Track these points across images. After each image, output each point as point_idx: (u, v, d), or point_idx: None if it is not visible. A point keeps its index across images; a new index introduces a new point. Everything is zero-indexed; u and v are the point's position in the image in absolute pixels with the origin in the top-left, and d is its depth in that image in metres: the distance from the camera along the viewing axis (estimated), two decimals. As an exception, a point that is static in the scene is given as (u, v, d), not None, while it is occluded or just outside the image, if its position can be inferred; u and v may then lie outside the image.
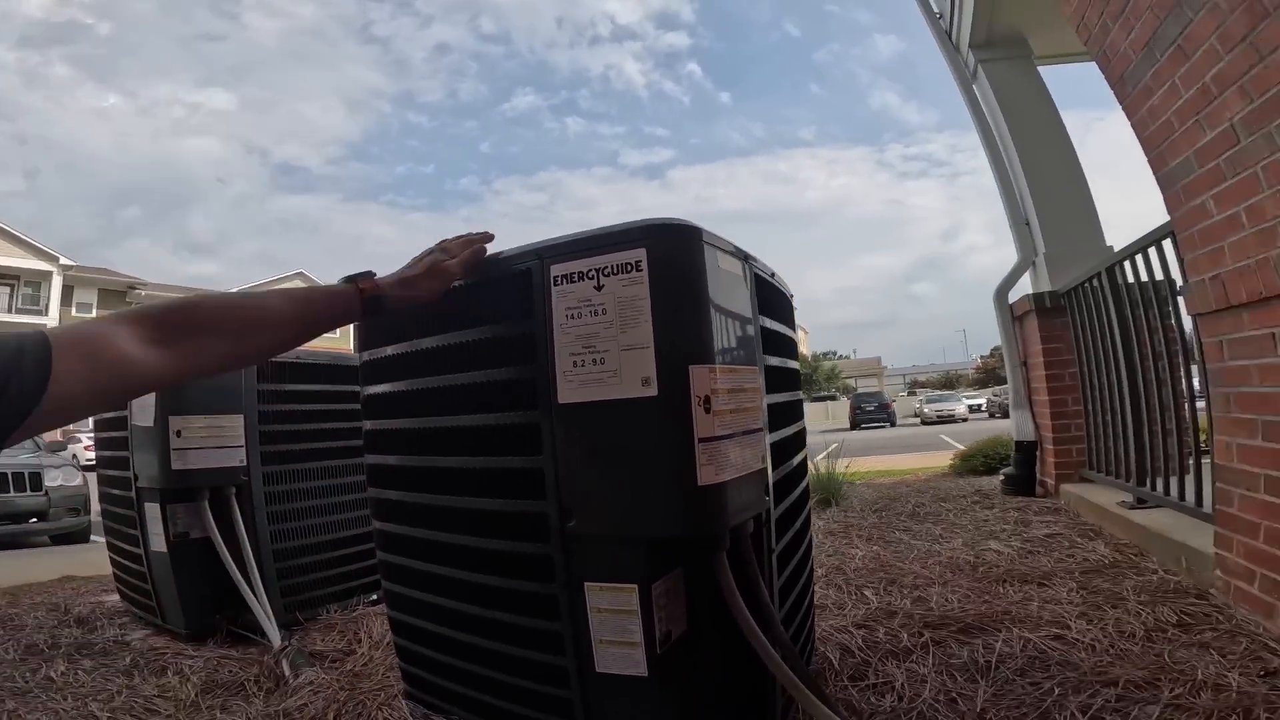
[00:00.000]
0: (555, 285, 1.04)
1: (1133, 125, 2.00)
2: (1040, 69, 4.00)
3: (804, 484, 1.59)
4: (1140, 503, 2.60)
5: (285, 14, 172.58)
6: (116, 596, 2.62)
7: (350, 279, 0.98)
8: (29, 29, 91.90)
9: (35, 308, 26.44)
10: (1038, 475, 3.67)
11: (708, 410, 0.97)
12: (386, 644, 1.97)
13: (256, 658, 1.91)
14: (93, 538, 5.40)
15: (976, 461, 4.76)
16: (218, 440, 2.13)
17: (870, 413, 27.63)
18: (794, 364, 1.50)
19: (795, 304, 1.61)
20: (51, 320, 24.44)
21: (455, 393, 1.19)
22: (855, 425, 25.77)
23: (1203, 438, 2.28)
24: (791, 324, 1.52)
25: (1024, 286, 3.88)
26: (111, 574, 2.60)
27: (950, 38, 4.23)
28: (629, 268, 0.97)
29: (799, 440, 1.51)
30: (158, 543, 2.13)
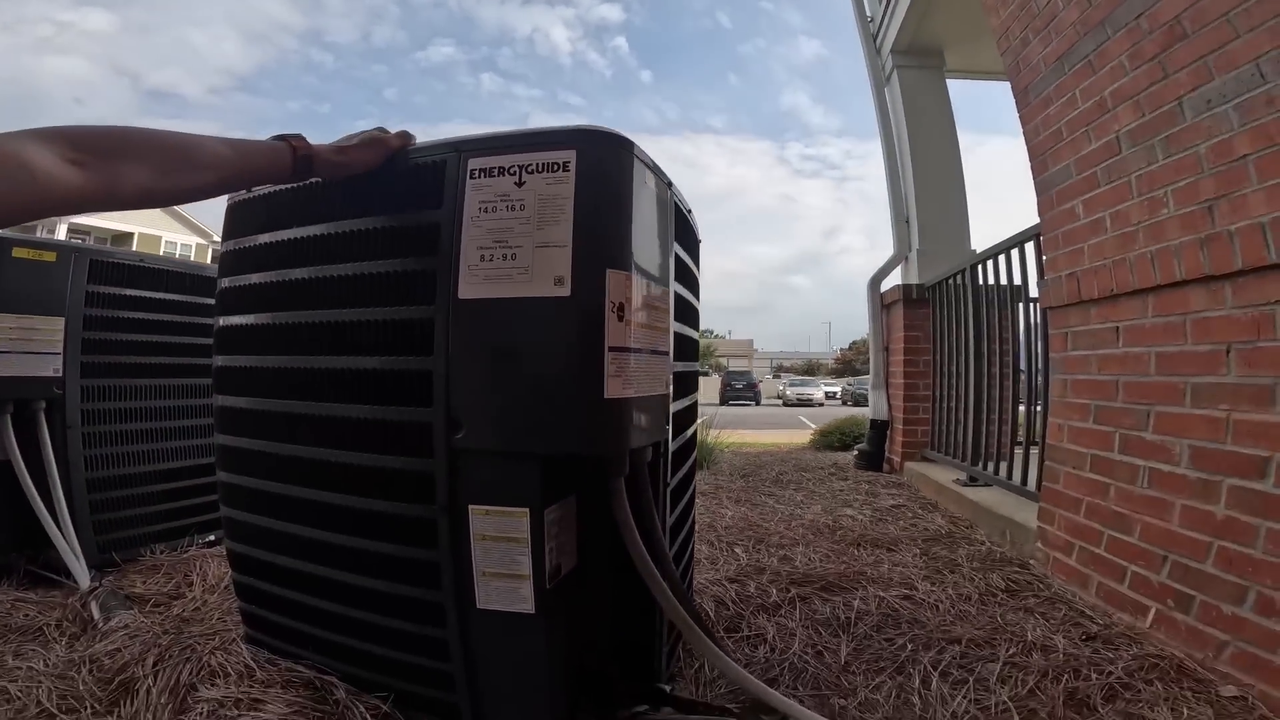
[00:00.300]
0: (471, 178, 0.92)
1: (1025, 133, 2.12)
2: (948, 83, 4.23)
3: (695, 426, 1.53)
4: (972, 481, 2.85)
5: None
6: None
7: (280, 137, 0.90)
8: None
9: None
10: (886, 453, 3.95)
11: (620, 318, 0.89)
12: (225, 588, 1.70)
13: (60, 600, 1.58)
14: None
15: (833, 438, 5.08)
16: (27, 344, 1.71)
17: (739, 390, 29.15)
18: (695, 301, 1.42)
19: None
20: None
21: (337, 285, 1.01)
22: (724, 400, 27.00)
23: (1021, 433, 2.57)
24: (697, 260, 1.44)
25: (894, 279, 4.12)
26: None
27: (875, 40, 4.38)
28: (555, 167, 0.90)
29: (694, 379, 1.44)
30: (-61, 463, 1.69)
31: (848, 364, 52.19)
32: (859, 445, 4.16)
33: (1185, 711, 1.18)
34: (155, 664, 1.16)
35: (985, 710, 1.20)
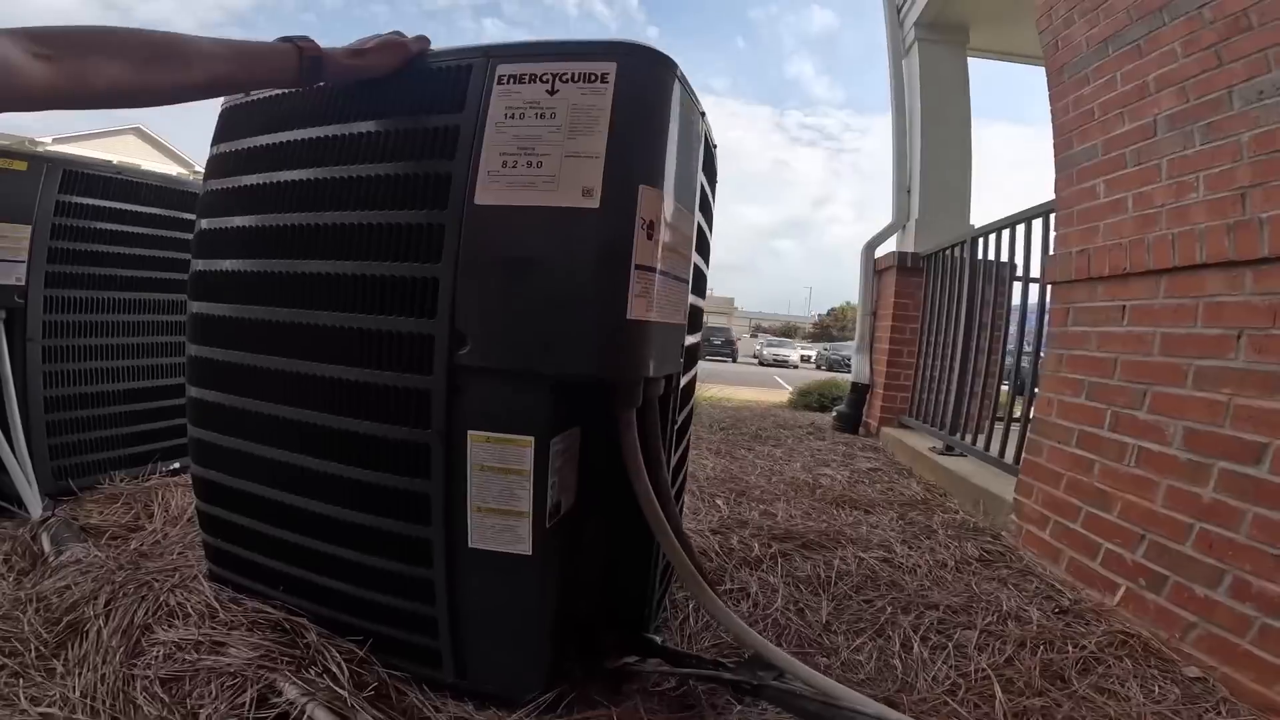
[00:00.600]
0: (499, 84, 0.84)
1: (1053, 111, 2.08)
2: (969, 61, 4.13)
3: (697, 364, 1.46)
4: (948, 450, 2.85)
5: None
6: None
7: (286, 39, 0.84)
8: None
9: None
10: (864, 416, 3.95)
11: (649, 236, 0.82)
12: (187, 520, 1.60)
13: (9, 532, 1.46)
14: None
15: (812, 398, 5.10)
16: (-9, 251, 1.56)
17: (717, 346, 29.24)
18: (710, 233, 1.33)
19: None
20: None
21: (336, 188, 0.91)
22: (702, 355, 27.01)
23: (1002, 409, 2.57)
24: (714, 196, 1.35)
25: (889, 246, 4.07)
26: None
27: (899, 11, 4.24)
28: (593, 78, 0.84)
29: (701, 315, 1.37)
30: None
31: (825, 329, 52.60)
32: (838, 407, 4.16)
33: (1156, 689, 1.17)
34: (108, 603, 1.06)
35: (965, 676, 1.18)
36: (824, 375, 6.20)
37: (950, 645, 1.29)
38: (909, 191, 3.95)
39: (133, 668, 0.92)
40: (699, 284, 1.21)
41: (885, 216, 4.09)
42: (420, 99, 0.90)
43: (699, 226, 1.12)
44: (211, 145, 1.11)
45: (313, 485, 0.96)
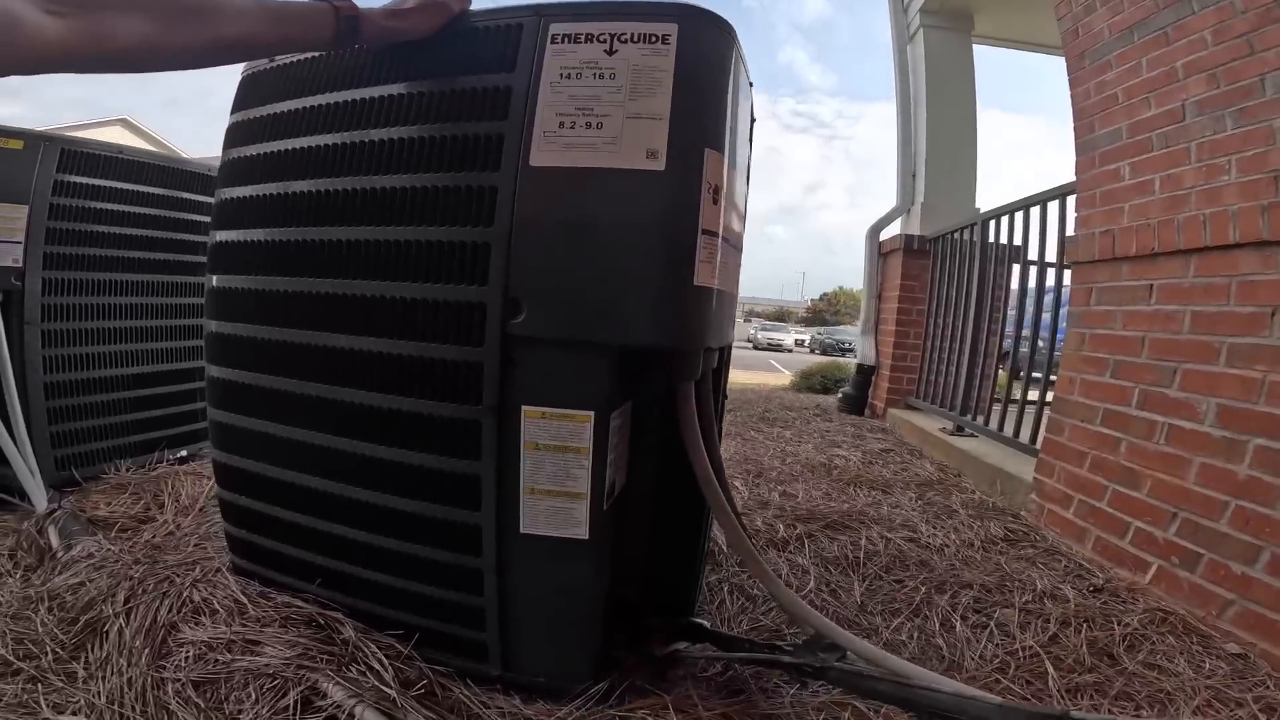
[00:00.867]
0: (552, 43, 0.80)
1: (1073, 96, 2.07)
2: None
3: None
4: (958, 430, 2.82)
5: None
6: None
7: None
8: None
9: None
10: (870, 398, 3.92)
11: (715, 201, 0.78)
12: (200, 510, 1.53)
13: (13, 525, 1.38)
14: None
15: (815, 381, 5.08)
16: (-13, 231, 1.47)
17: (711, 331, 29.19)
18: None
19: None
20: None
21: (375, 151, 0.85)
22: None
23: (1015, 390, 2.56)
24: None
25: (893, 229, 4.02)
26: None
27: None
28: (654, 39, 0.79)
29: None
30: None
31: (818, 314, 52.70)
32: (843, 388, 4.13)
33: (1205, 665, 1.15)
34: (127, 600, 0.99)
35: (1013, 655, 1.15)
36: (824, 358, 6.19)
37: (991, 624, 1.26)
38: (914, 176, 3.92)
39: (161, 670, 0.86)
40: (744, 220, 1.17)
41: (878, 203, 4.17)
42: (467, 59, 0.84)
43: (744, 200, 1.06)
44: (232, 113, 1.04)
45: (349, 470, 0.89)
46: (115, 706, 0.82)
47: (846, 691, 0.96)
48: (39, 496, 1.43)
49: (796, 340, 30.38)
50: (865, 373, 3.89)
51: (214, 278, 1.01)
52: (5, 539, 1.32)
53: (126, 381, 1.76)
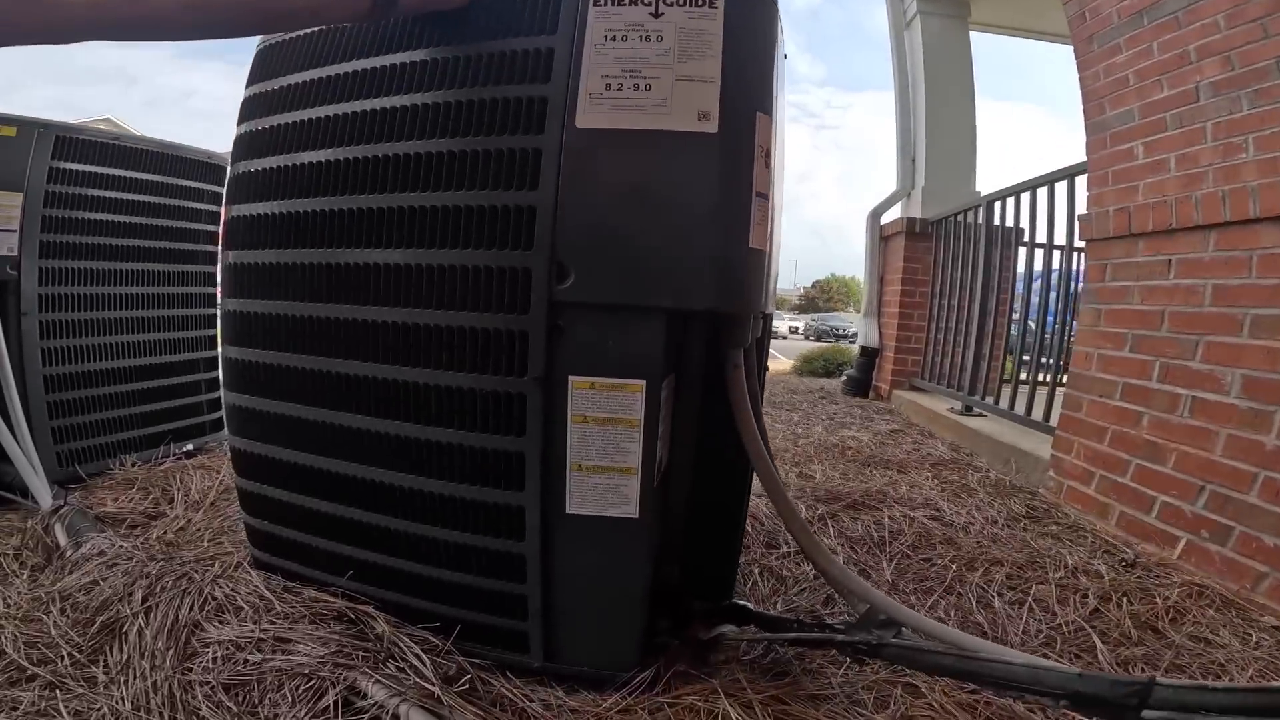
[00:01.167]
0: (595, 5, 0.77)
1: (1081, 79, 2.07)
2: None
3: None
4: (968, 410, 2.79)
5: None
6: None
7: None
8: None
9: None
10: (874, 380, 3.90)
11: (766, 165, 0.75)
12: (210, 504, 1.47)
13: (18, 524, 1.31)
14: None
15: (816, 364, 5.06)
16: (-21, 220, 1.39)
17: (706, 319, 29.21)
18: None
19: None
20: None
21: (416, 116, 0.80)
22: None
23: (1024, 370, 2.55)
24: None
25: (894, 214, 3.98)
26: None
27: None
28: (700, 2, 0.76)
29: None
30: None
31: (810, 301, 52.74)
32: (847, 371, 4.11)
33: (1252, 637, 1.12)
34: (145, 599, 0.92)
35: (1057, 630, 1.12)
36: (810, 346, 6.19)
37: (1030, 599, 1.23)
38: (913, 160, 3.89)
39: (188, 672, 0.80)
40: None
41: (869, 191, 4.19)
42: (506, 23, 0.79)
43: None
44: (248, 85, 0.97)
45: (380, 452, 0.83)
46: (141, 713, 0.76)
47: (900, 669, 0.92)
48: (43, 493, 1.36)
49: (791, 327, 30.37)
50: (869, 355, 3.87)
51: (230, 254, 0.94)
52: (9, 538, 1.25)
53: (129, 374, 1.69)
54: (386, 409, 0.82)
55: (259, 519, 1.00)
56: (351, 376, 0.84)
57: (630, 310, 0.74)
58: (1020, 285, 2.82)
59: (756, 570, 1.33)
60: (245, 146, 0.96)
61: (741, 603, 1.00)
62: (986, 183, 2.83)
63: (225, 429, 1.07)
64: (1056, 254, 2.50)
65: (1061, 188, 2.35)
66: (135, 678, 0.81)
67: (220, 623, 0.87)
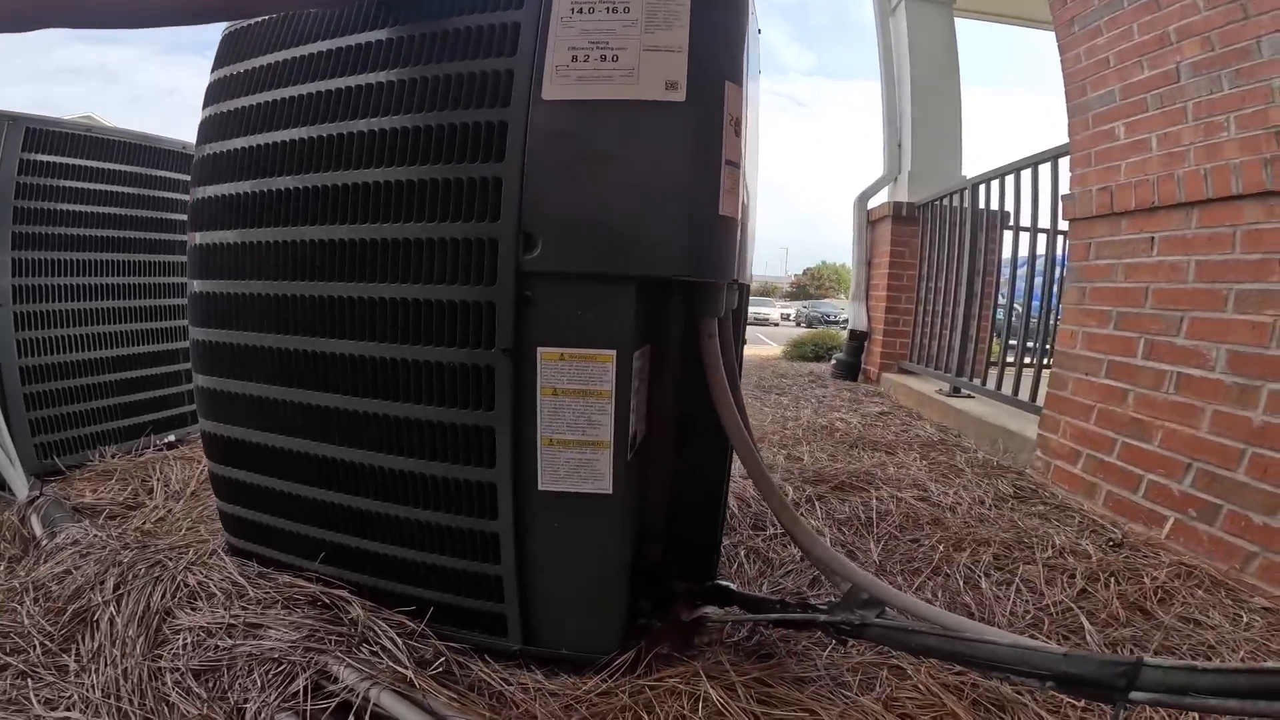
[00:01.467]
0: None
1: (1063, 61, 2.05)
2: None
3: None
4: (955, 392, 2.78)
5: None
6: None
7: None
8: None
9: None
10: (863, 363, 3.88)
11: (736, 133, 0.73)
12: (191, 494, 1.44)
13: None
14: None
15: (807, 349, 5.04)
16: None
17: (697, 306, 29.11)
18: None
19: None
20: None
21: (381, 94, 0.78)
22: None
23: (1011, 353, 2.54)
24: None
25: (881, 198, 3.96)
26: None
27: None
28: None
29: None
30: None
31: (802, 288, 52.69)
32: (836, 355, 4.10)
33: (1243, 618, 1.10)
34: (117, 587, 0.90)
35: (1044, 610, 1.10)
36: (802, 333, 6.16)
37: (1016, 580, 1.21)
38: (900, 145, 3.87)
39: (158, 659, 0.77)
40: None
41: (857, 179, 4.10)
42: (466, 4, 0.77)
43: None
44: (213, 70, 0.95)
45: (349, 431, 0.81)
46: (111, 700, 0.74)
47: (885, 650, 0.90)
48: (19, 485, 1.33)
49: (782, 314, 30.28)
50: (858, 339, 3.86)
51: (196, 235, 0.91)
52: (-15, 529, 1.22)
53: (107, 364, 1.65)
54: (355, 386, 0.79)
55: (232, 504, 0.97)
56: (318, 354, 0.81)
57: (600, 279, 0.72)
58: (1006, 269, 2.81)
59: (743, 552, 1.32)
60: (210, 129, 0.94)
61: (725, 584, 0.98)
62: (981, 169, 2.79)
63: (202, 415, 1.04)
64: (1042, 237, 2.48)
65: (1045, 170, 2.33)
66: (106, 665, 0.79)
67: (192, 609, 0.85)
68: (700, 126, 0.72)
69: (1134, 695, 0.59)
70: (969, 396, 2.70)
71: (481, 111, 0.74)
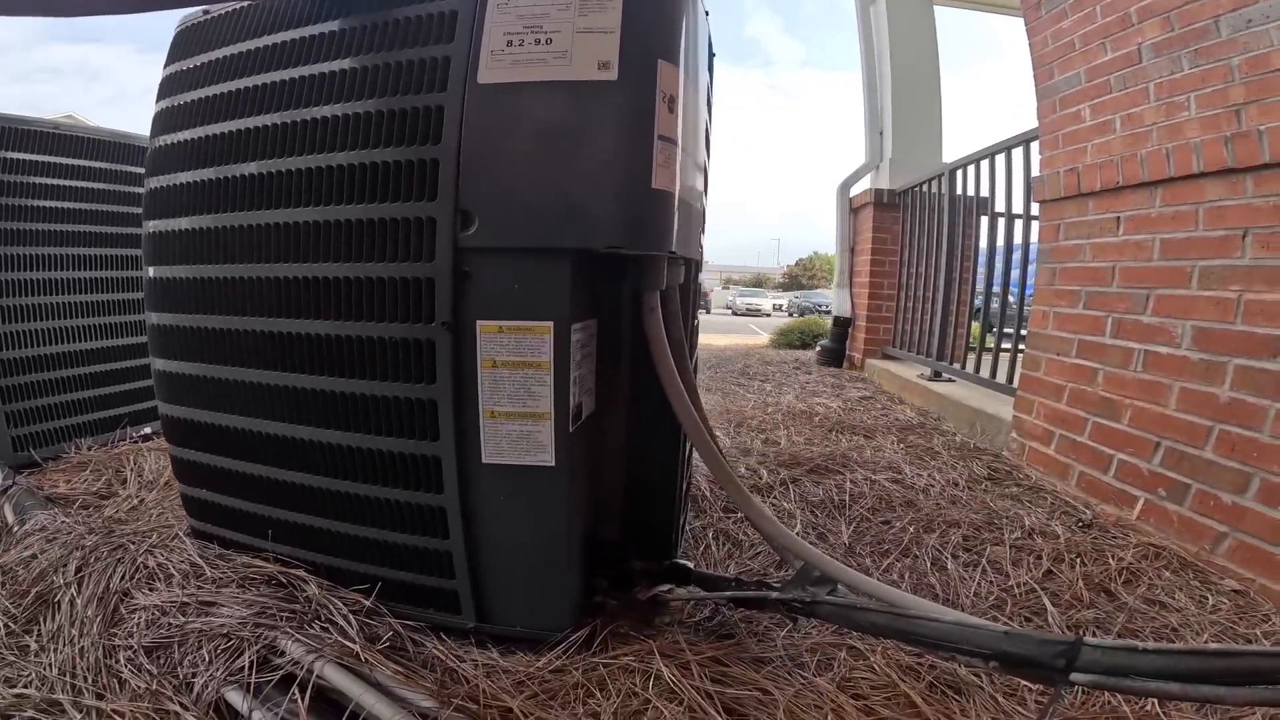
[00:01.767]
0: None
1: (1031, 44, 2.06)
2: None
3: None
4: (936, 376, 2.79)
5: None
6: None
7: None
8: None
9: None
10: (847, 350, 3.89)
11: (670, 110, 0.73)
12: (164, 484, 1.43)
13: None
14: None
15: (793, 337, 5.04)
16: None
17: (689, 298, 28.96)
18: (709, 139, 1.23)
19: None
20: None
21: (321, 84, 0.80)
22: None
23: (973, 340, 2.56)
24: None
25: (863, 185, 3.96)
26: None
27: None
28: None
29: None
30: None
31: (794, 279, 52.61)
32: (821, 342, 4.10)
33: (1209, 600, 1.10)
34: (79, 569, 0.90)
35: (1008, 591, 1.10)
36: (799, 318, 6.13)
37: (983, 561, 1.22)
38: (881, 133, 3.86)
39: (113, 638, 0.78)
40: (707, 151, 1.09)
41: (849, 168, 4.05)
42: None
43: (706, 127, 0.98)
44: (166, 65, 0.96)
45: (298, 408, 0.82)
46: (67, 678, 0.75)
47: (844, 630, 0.90)
48: (-8, 475, 1.33)
49: (774, 305, 30.12)
50: (842, 325, 3.86)
51: (150, 223, 0.92)
52: (-44, 519, 1.22)
53: (82, 357, 1.65)
54: (302, 364, 0.80)
55: (192, 486, 0.97)
56: (266, 334, 0.82)
57: (535, 253, 0.72)
58: (983, 255, 2.80)
59: (711, 534, 1.32)
60: (164, 122, 0.95)
61: (682, 562, 0.98)
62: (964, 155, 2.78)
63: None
64: (1019, 220, 2.48)
65: (1019, 154, 2.33)
66: (64, 645, 0.79)
67: (149, 589, 0.85)
68: (632, 103, 0.72)
69: (1074, 676, 0.57)
70: (950, 380, 2.70)
71: (420, 97, 0.76)
